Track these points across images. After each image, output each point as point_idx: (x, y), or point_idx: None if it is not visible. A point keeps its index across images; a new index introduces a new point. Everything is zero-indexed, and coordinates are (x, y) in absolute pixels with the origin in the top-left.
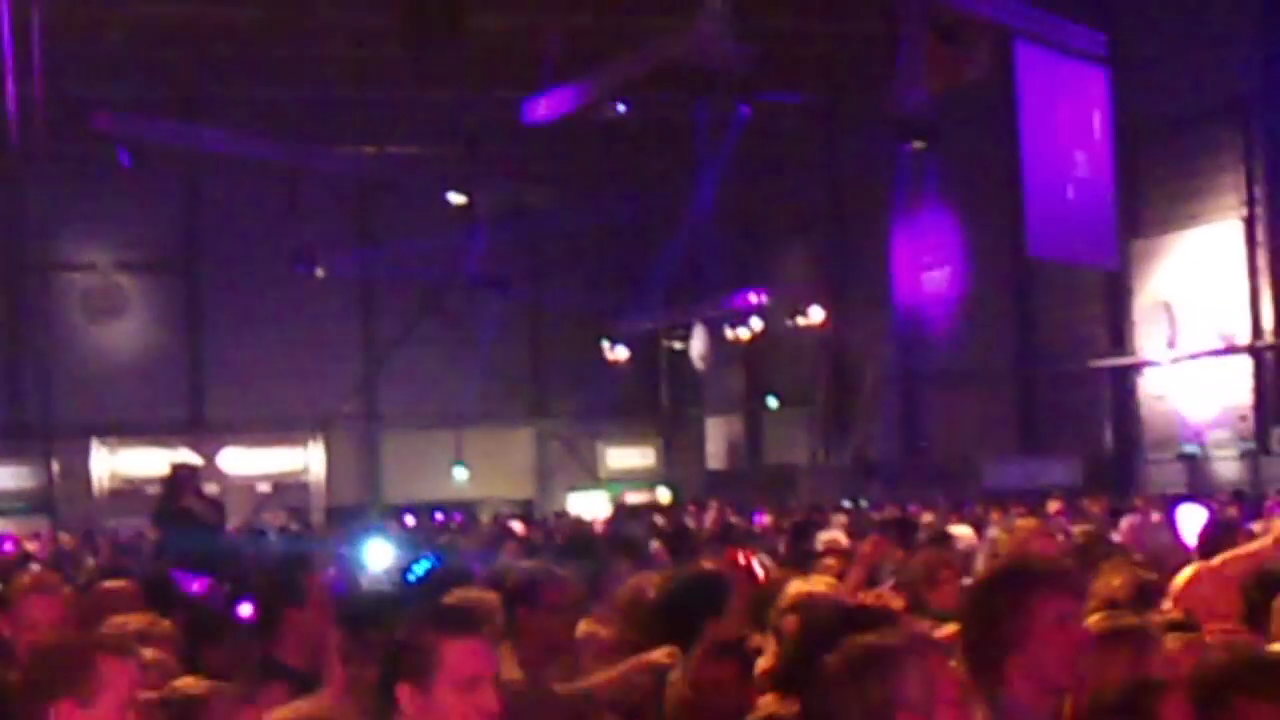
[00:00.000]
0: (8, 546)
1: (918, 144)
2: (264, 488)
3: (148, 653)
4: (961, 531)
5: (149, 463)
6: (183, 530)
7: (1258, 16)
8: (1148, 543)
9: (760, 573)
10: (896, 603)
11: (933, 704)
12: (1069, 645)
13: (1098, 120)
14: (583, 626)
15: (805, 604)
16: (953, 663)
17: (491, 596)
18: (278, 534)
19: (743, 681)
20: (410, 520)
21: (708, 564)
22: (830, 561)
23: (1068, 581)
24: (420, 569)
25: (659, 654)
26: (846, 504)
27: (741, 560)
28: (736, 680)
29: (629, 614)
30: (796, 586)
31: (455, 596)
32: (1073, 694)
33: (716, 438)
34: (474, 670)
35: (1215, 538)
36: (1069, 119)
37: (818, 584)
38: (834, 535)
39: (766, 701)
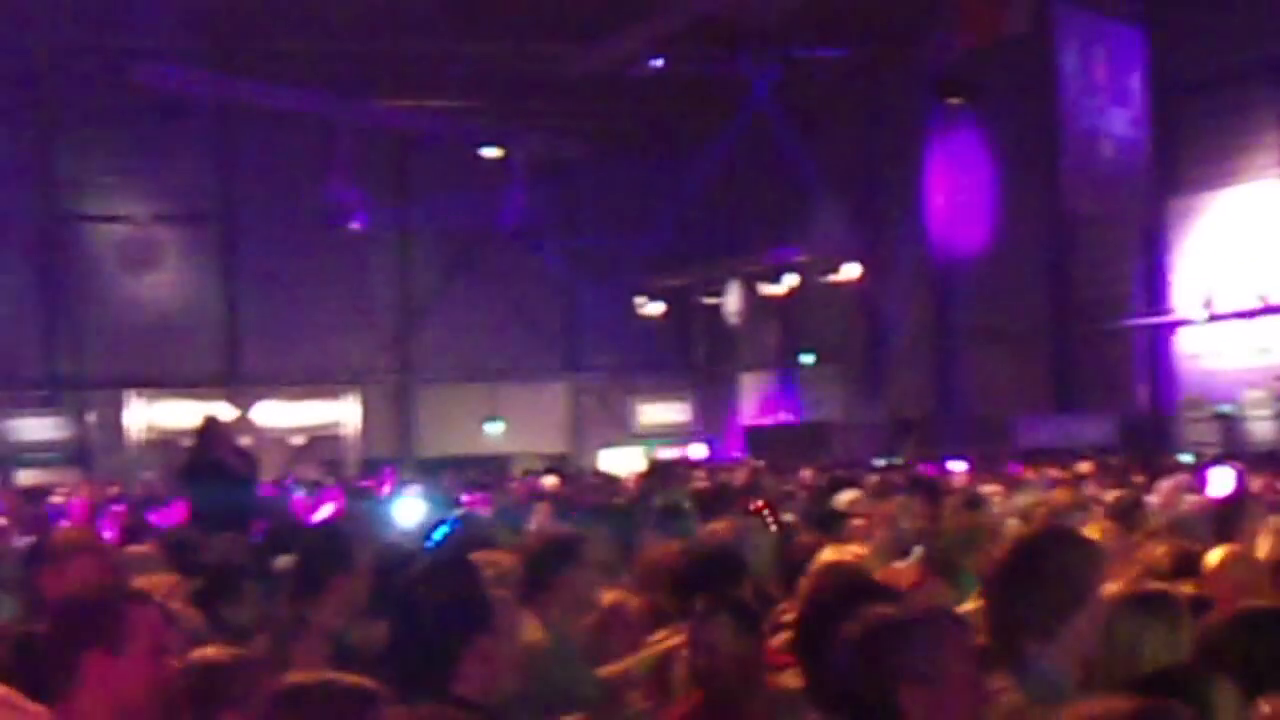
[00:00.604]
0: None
1: (955, 100)
2: (298, 441)
3: (173, 604)
4: (991, 490)
5: (183, 415)
6: (212, 484)
7: None
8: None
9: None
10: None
11: (946, 677)
12: (1094, 617)
13: (1135, 78)
14: (611, 595)
15: (822, 572)
16: (971, 636)
17: (509, 559)
18: (310, 490)
19: (742, 641)
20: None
21: (721, 526)
22: (859, 523)
23: (1101, 553)
24: (441, 532)
25: (674, 640)
26: (880, 461)
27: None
28: (734, 639)
29: (649, 584)
30: (827, 555)
31: (476, 558)
32: (1100, 664)
33: (750, 394)
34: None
35: (1235, 510)
36: (1106, 76)
37: (847, 553)
38: (854, 495)
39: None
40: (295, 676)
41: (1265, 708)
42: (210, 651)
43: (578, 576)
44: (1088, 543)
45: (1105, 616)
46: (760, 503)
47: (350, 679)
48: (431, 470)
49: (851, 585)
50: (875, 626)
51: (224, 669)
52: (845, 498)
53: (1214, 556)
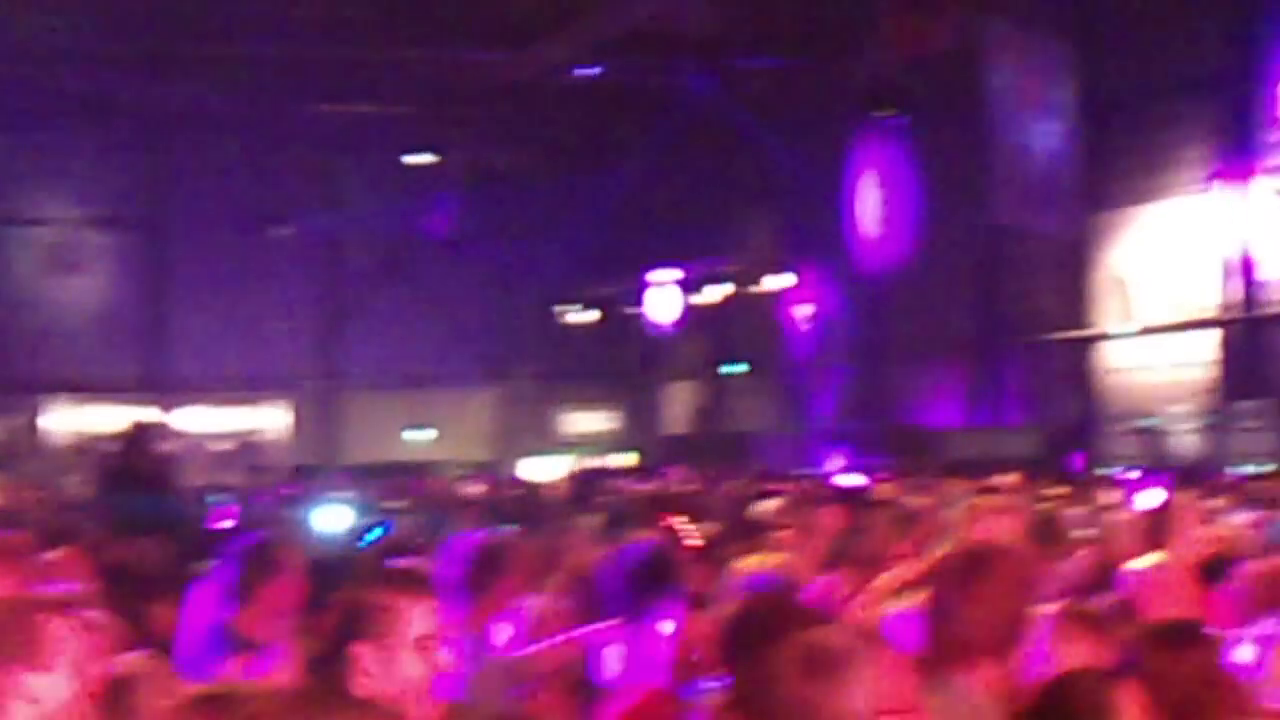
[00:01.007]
0: None
1: (885, 113)
2: (224, 446)
3: (92, 614)
4: (920, 502)
5: (108, 420)
6: (133, 490)
7: None
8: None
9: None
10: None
11: (878, 705)
12: (1029, 632)
13: (1064, 92)
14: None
15: (747, 587)
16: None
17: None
18: (234, 496)
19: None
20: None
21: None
22: (783, 535)
23: (1026, 568)
24: (369, 538)
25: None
26: (806, 472)
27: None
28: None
29: (573, 588)
30: (748, 563)
31: (401, 564)
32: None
33: (677, 403)
34: (428, 629)
35: (1157, 525)
36: (1035, 90)
37: (768, 561)
38: (774, 504)
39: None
40: (212, 684)
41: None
42: (131, 659)
43: (510, 583)
44: (1021, 563)
45: (1038, 638)
46: (674, 518)
47: (268, 685)
48: (358, 477)
49: (777, 602)
50: (815, 653)
51: (129, 681)
52: (764, 507)
53: (1137, 564)
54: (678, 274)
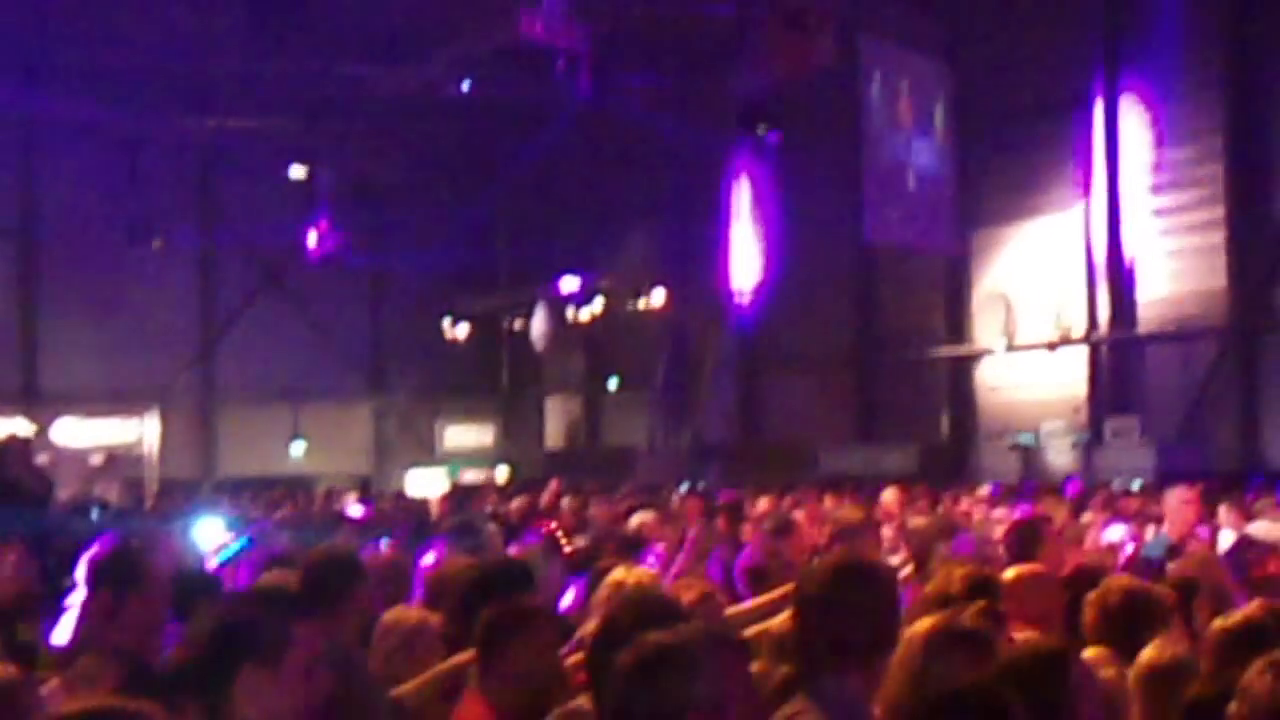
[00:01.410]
0: None
1: (761, 129)
2: (97, 459)
3: None
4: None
5: None
6: (6, 503)
7: (1098, 10)
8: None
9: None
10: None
11: (727, 704)
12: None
13: (939, 110)
14: (411, 614)
15: (611, 596)
16: (754, 662)
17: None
18: (106, 510)
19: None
20: (244, 497)
21: (516, 549)
22: (660, 547)
23: (895, 581)
24: (231, 551)
25: (463, 657)
26: (683, 487)
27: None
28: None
29: (437, 602)
30: (615, 575)
31: (265, 578)
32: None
33: (556, 418)
34: (314, 653)
35: (1026, 537)
36: (911, 108)
37: (638, 574)
38: (646, 516)
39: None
40: (78, 700)
41: None
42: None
43: (361, 594)
44: (887, 574)
45: (914, 650)
46: (554, 525)
47: (133, 703)
48: (233, 490)
49: (641, 609)
50: (658, 652)
51: (8, 690)
52: (637, 520)
53: (1009, 575)
54: (559, 288)
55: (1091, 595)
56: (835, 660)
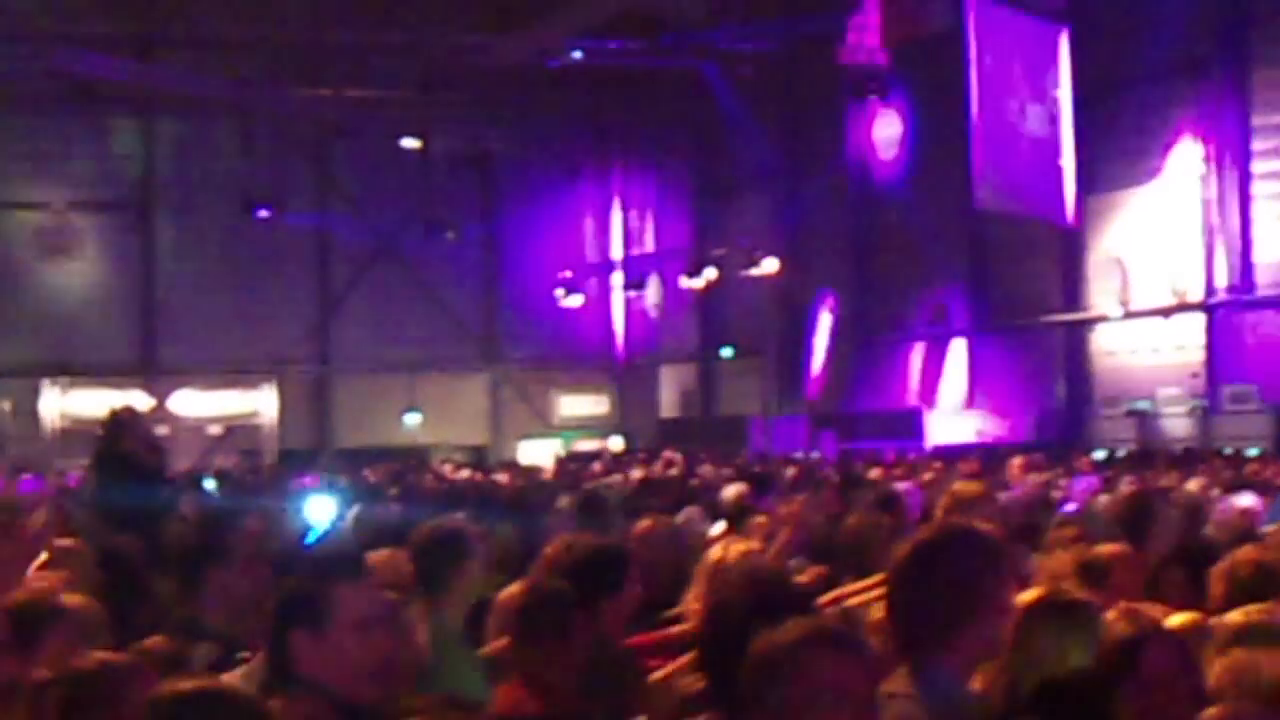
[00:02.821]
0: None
1: (873, 96)
2: (215, 430)
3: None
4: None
5: (100, 403)
6: (121, 477)
7: None
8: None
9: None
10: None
11: (845, 699)
12: (1004, 619)
13: (1053, 76)
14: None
15: (718, 580)
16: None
17: (401, 555)
18: (223, 481)
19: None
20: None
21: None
22: (761, 520)
23: (1004, 555)
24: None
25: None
26: (799, 455)
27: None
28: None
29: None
30: (715, 553)
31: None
32: (1000, 668)
33: (670, 387)
34: (367, 612)
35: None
36: (1024, 75)
37: (737, 549)
38: (740, 488)
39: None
40: (177, 684)
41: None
42: (86, 659)
43: (467, 571)
44: (989, 544)
45: (1018, 623)
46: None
47: (230, 688)
48: (349, 461)
49: (754, 592)
50: (780, 652)
51: (94, 676)
52: (731, 491)
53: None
54: (669, 257)
55: (1220, 567)
56: (928, 637)
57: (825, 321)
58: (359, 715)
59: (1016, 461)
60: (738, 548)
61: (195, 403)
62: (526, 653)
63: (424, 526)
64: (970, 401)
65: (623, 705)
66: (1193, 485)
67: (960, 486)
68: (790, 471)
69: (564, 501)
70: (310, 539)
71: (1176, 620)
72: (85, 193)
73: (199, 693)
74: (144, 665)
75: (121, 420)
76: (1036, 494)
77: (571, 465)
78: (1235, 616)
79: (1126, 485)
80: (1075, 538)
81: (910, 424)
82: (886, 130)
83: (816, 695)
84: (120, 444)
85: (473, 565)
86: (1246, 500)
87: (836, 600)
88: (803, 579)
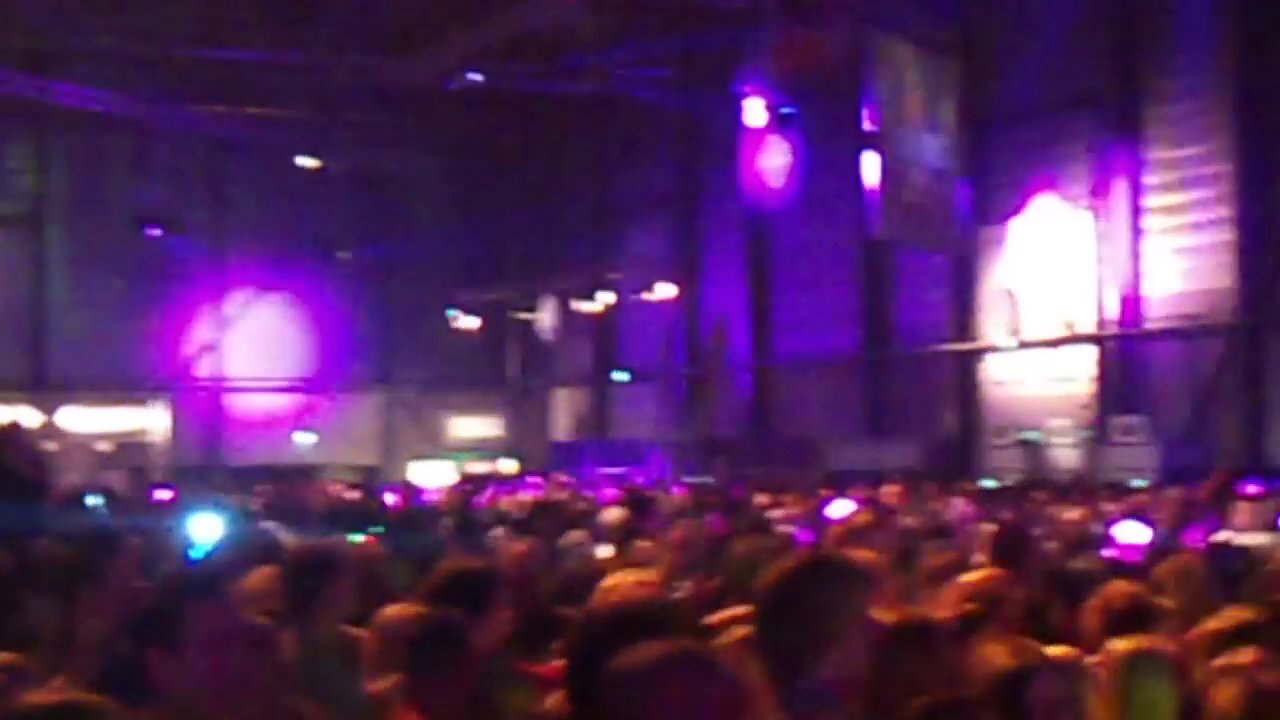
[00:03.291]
0: None
1: (772, 123)
2: (105, 447)
3: None
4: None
5: None
6: (3, 491)
7: (1110, 8)
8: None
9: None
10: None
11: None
12: (867, 643)
13: (948, 107)
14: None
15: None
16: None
17: (271, 572)
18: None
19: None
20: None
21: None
22: (644, 544)
23: (869, 581)
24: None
25: None
26: (690, 480)
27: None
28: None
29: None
30: (612, 579)
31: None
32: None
33: (563, 410)
34: (222, 633)
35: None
36: (920, 105)
37: (635, 575)
38: (620, 513)
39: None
40: (37, 697)
41: None
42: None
43: (339, 590)
44: (853, 570)
45: (879, 647)
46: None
47: (92, 702)
48: (240, 479)
49: (624, 615)
50: (636, 670)
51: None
52: (612, 515)
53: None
54: (565, 281)
55: (1094, 602)
56: (793, 662)
57: (719, 346)
58: None
59: (891, 490)
60: (633, 575)
61: (84, 419)
62: (419, 683)
63: (296, 545)
64: (865, 428)
65: None
66: (1074, 515)
67: (855, 516)
68: (681, 496)
69: (446, 523)
70: (193, 557)
71: (1054, 653)
72: None
73: (58, 705)
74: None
75: (4, 435)
76: (915, 521)
77: (465, 487)
78: (1123, 645)
79: (1005, 515)
80: (950, 565)
81: (805, 451)
82: (776, 159)
83: (674, 715)
84: (2, 459)
85: (345, 583)
86: (1134, 532)
87: (724, 623)
88: (683, 595)
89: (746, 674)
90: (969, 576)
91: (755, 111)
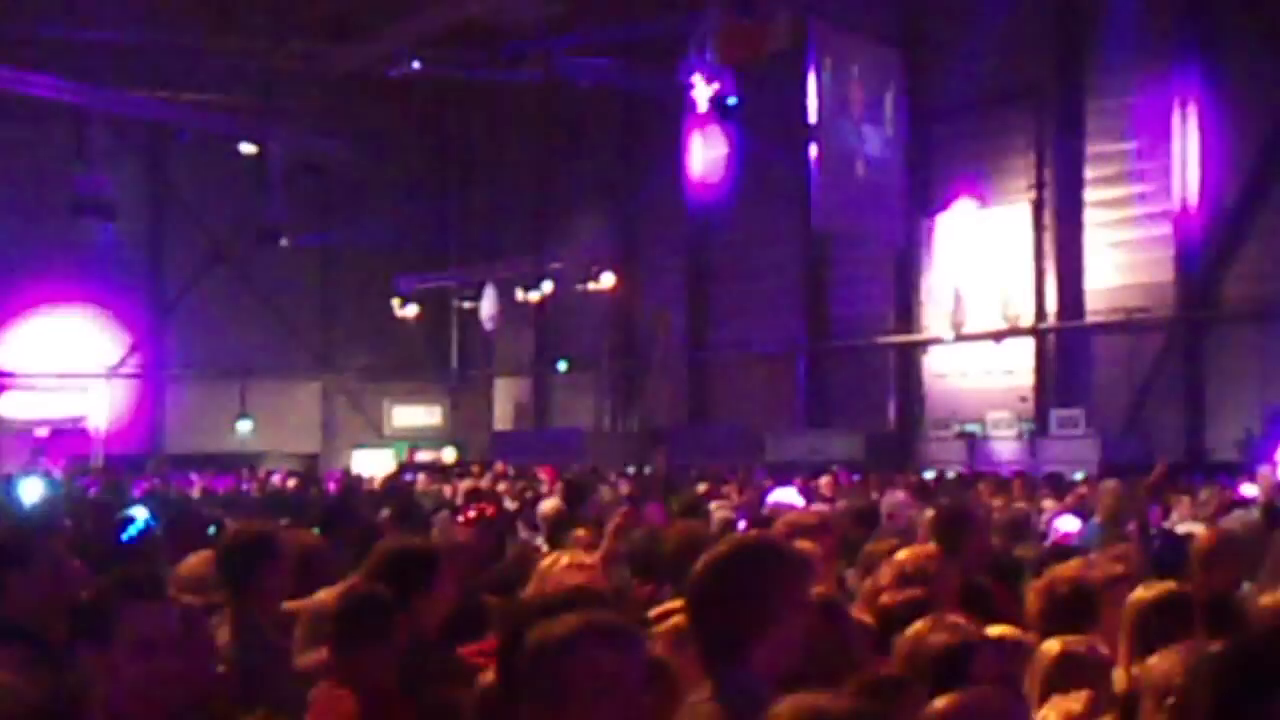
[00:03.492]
0: None
1: (714, 113)
2: (42, 433)
3: None
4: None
5: None
6: None
7: (1051, 1)
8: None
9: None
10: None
11: (617, 692)
12: (801, 629)
13: (890, 99)
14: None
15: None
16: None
17: (208, 556)
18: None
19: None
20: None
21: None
22: (581, 533)
23: (802, 566)
24: (134, 529)
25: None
26: (630, 469)
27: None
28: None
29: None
30: (547, 562)
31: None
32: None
33: (504, 399)
34: (152, 633)
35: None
36: (862, 96)
37: (572, 559)
38: (555, 504)
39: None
40: None
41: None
42: None
43: (275, 574)
44: (785, 555)
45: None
46: (488, 507)
47: (18, 685)
48: (179, 466)
49: (557, 598)
50: (544, 642)
51: None
52: (548, 505)
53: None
54: (506, 270)
55: (1038, 584)
56: (726, 647)
57: (661, 336)
58: None
59: (824, 481)
60: (568, 557)
61: (22, 405)
62: (345, 657)
63: (231, 530)
64: (806, 420)
65: (442, 705)
66: (1015, 506)
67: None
68: (622, 487)
69: (385, 512)
70: (125, 539)
71: (995, 631)
72: None
73: None
74: None
75: None
76: (852, 508)
77: (404, 476)
78: (1053, 645)
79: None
80: (892, 550)
81: (745, 442)
82: (718, 149)
83: (587, 685)
84: None
85: (280, 567)
86: (1068, 523)
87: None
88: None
89: (675, 659)
90: (901, 554)
91: (698, 101)
